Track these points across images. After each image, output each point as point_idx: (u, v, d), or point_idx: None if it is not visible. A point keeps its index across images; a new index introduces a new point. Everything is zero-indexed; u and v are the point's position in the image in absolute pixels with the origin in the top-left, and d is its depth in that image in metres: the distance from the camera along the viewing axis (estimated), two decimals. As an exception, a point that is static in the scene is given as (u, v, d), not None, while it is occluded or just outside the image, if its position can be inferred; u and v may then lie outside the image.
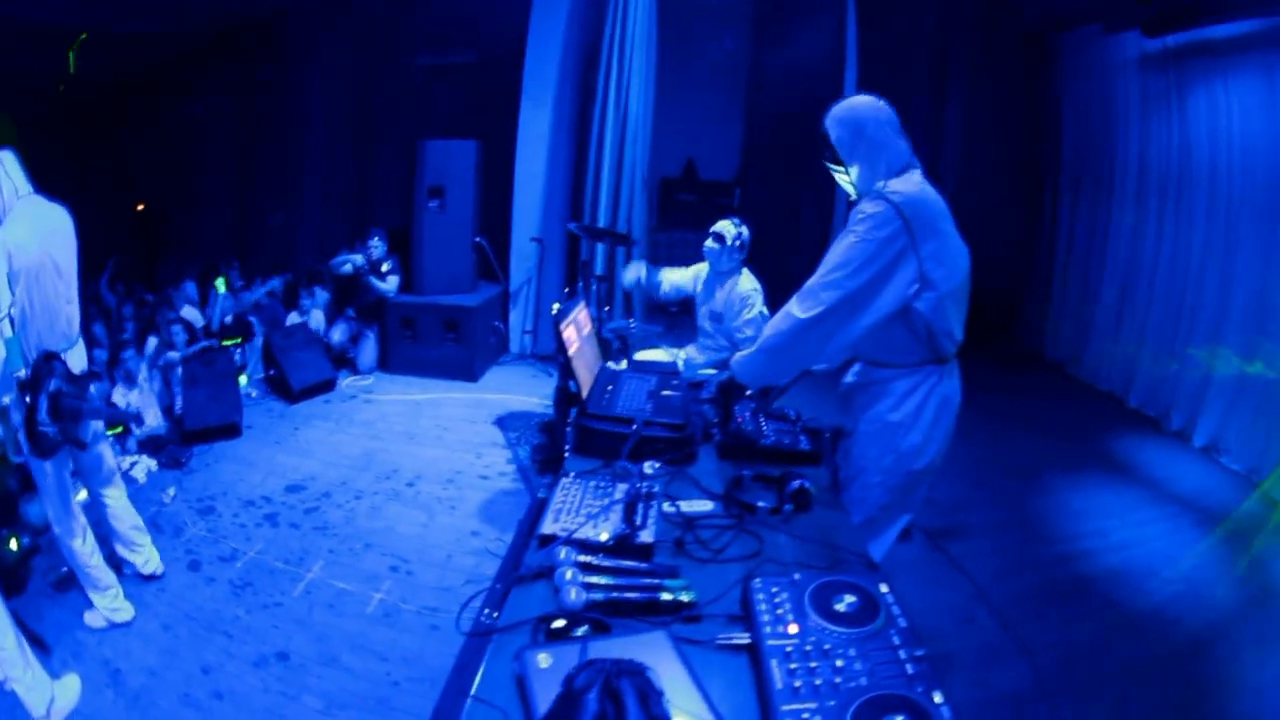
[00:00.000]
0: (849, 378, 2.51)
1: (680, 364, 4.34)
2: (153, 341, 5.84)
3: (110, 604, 3.19)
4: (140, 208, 9.66)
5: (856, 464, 2.40)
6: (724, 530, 1.81)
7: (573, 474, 2.02)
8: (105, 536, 3.38)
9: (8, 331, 2.71)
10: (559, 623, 1.38)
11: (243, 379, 6.08)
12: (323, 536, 4.02)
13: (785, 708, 1.16)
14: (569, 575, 1.47)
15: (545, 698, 1.13)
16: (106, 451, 3.33)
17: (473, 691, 1.26)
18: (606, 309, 6.19)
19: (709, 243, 4.21)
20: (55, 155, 7.52)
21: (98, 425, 3.20)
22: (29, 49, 7.26)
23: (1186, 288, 5.87)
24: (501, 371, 6.98)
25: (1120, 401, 6.55)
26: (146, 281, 8.17)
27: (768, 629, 1.34)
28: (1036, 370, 7.65)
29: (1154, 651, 3.24)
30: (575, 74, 7.20)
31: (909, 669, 1.22)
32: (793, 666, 1.24)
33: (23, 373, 2.74)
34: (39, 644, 3.00)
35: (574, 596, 1.42)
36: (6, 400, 2.70)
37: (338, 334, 6.85)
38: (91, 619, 3.20)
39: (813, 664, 1.24)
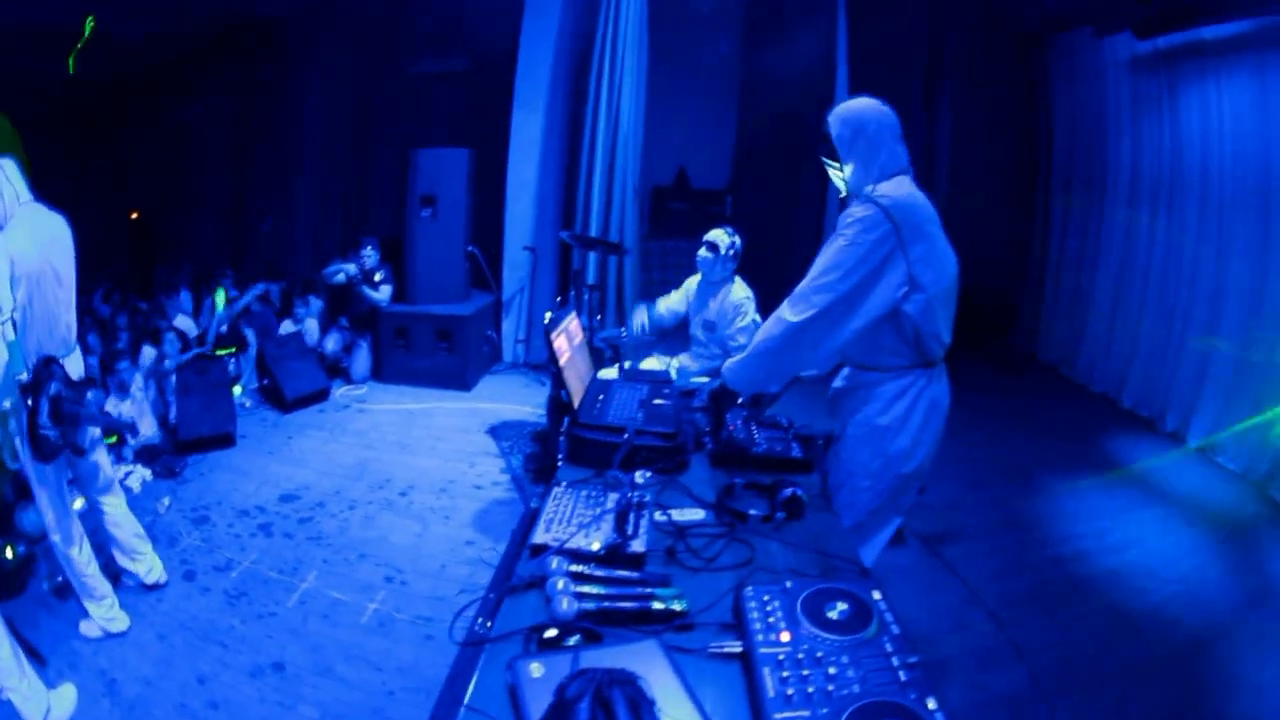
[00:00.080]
0: (837, 382, 2.52)
1: (673, 372, 4.34)
2: (148, 351, 5.83)
3: (106, 614, 3.18)
4: (134, 216, 9.66)
5: (845, 468, 2.39)
6: (716, 539, 1.81)
7: (564, 483, 2.02)
8: (102, 545, 3.37)
9: (10, 335, 2.73)
10: (551, 632, 1.38)
11: (237, 389, 6.07)
12: (317, 546, 4.01)
13: (778, 716, 1.16)
14: (561, 585, 1.47)
15: (538, 707, 1.12)
16: (104, 459, 3.32)
17: (466, 701, 1.26)
18: (598, 318, 6.19)
19: (702, 252, 4.22)
20: (55, 156, 7.53)
21: (95, 432, 3.21)
22: (29, 49, 7.27)
23: (1180, 288, 5.89)
24: (494, 381, 6.97)
25: (1114, 403, 6.56)
26: (140, 288, 8.17)
27: (760, 637, 1.33)
28: (1030, 372, 7.67)
29: (1153, 652, 3.24)
30: (567, 80, 7.22)
31: (902, 676, 1.22)
32: (785, 674, 1.24)
33: (24, 376, 2.77)
34: (34, 654, 2.99)
35: (566, 606, 1.42)
36: (7, 404, 2.71)
37: (331, 343, 6.83)
38: (87, 628, 3.19)
39: (805, 672, 1.24)
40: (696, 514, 1.94)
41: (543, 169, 7.13)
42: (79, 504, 3.37)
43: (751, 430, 2.42)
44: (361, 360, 6.71)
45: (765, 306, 3.40)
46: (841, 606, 1.38)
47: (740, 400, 2.50)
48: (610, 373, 3.15)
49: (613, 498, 1.83)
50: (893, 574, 2.52)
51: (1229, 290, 5.37)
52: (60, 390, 2.85)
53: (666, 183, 9.07)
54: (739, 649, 1.36)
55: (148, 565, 3.49)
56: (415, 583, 3.69)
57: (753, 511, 1.93)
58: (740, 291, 4.22)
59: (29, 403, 2.75)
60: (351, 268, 6.72)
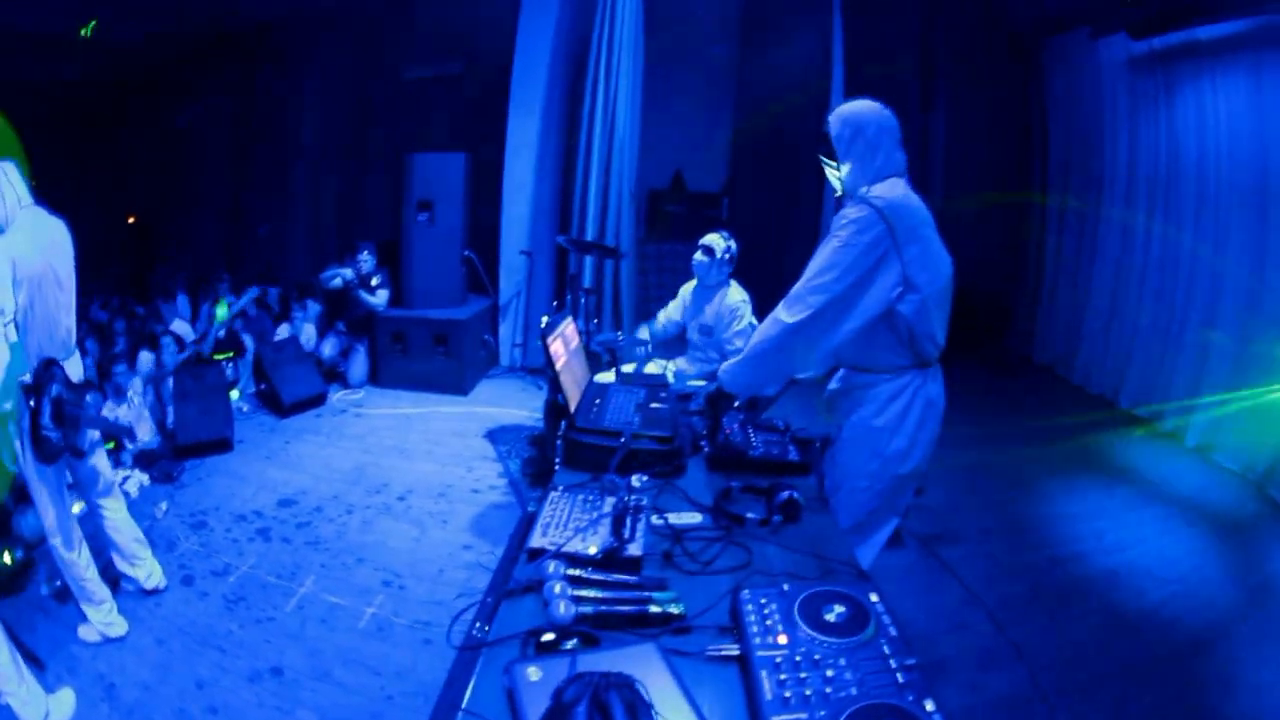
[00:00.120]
0: (833, 384, 2.52)
1: (670, 376, 4.34)
2: (146, 356, 5.82)
3: (104, 618, 3.18)
4: (131, 220, 9.66)
5: (842, 470, 2.40)
6: (713, 542, 1.81)
7: (561, 488, 2.02)
8: (101, 550, 3.36)
9: (13, 336, 2.75)
10: (548, 636, 1.37)
11: (234, 394, 6.06)
12: (315, 551, 4.01)
13: (775, 718, 1.16)
14: (558, 589, 1.47)
15: (535, 711, 1.12)
16: (103, 462, 3.32)
17: (464, 705, 1.26)
18: (595, 322, 6.19)
19: (698, 256, 4.22)
20: (54, 157, 7.52)
21: (94, 435, 3.22)
22: (28, 50, 7.26)
23: (1176, 288, 5.90)
24: (491, 385, 6.97)
25: (1111, 403, 6.57)
26: (138, 292, 8.16)
27: (757, 640, 1.33)
28: (1027, 373, 7.68)
29: (1152, 652, 3.24)
30: (564, 83, 7.22)
31: (900, 677, 1.22)
32: (782, 677, 1.23)
33: (26, 377, 2.78)
34: (33, 658, 2.99)
35: (563, 610, 1.42)
36: (9, 406, 2.72)
37: (328, 348, 6.83)
38: (85, 633, 3.18)
39: (803, 674, 1.23)
40: (693, 517, 1.94)
41: (539, 173, 7.14)
42: (78, 508, 3.38)
43: (748, 433, 2.41)
44: (358, 365, 6.70)
45: (762, 309, 3.41)
46: (839, 609, 1.38)
47: (737, 403, 2.50)
48: (607, 376, 3.14)
49: (610, 501, 1.82)
50: (891, 575, 2.51)
51: (1226, 288, 5.38)
52: (61, 392, 2.87)
53: (663, 186, 9.07)
54: (736, 652, 1.36)
55: (147, 570, 3.48)
56: (413, 587, 3.69)
57: (750, 514, 1.93)
58: (736, 295, 4.23)
59: (31, 404, 2.77)
60: (348, 272, 6.71)
